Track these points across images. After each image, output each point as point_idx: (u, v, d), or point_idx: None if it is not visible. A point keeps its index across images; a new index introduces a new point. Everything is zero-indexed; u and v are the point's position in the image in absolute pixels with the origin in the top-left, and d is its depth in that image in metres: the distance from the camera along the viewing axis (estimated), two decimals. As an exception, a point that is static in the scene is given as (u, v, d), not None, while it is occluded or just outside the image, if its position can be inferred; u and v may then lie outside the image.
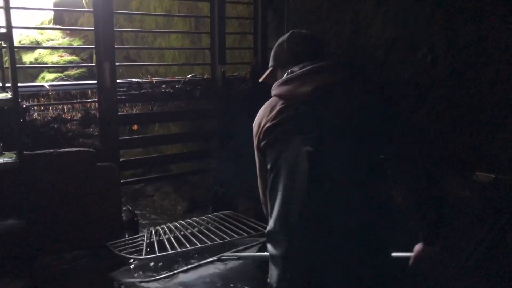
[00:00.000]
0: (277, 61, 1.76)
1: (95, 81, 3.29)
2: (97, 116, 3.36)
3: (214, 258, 2.91)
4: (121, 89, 3.45)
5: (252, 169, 1.78)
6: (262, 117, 1.59)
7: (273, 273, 1.49)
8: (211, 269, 2.89)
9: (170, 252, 2.90)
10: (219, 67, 3.81)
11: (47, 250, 3.00)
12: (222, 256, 2.87)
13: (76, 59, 5.30)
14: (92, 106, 3.51)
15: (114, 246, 3.03)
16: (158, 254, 2.88)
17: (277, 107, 1.53)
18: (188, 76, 3.82)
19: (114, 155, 3.31)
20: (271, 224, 1.51)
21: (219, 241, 3.02)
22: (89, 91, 3.48)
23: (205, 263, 2.93)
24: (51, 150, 2.99)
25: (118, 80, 3.39)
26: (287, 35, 1.77)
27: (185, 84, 3.74)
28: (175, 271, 2.86)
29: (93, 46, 3.31)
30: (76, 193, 3.03)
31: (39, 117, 3.20)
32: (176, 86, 3.69)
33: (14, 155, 2.76)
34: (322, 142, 1.41)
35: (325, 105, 1.45)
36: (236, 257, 2.78)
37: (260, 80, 1.90)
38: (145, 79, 3.63)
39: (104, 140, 3.31)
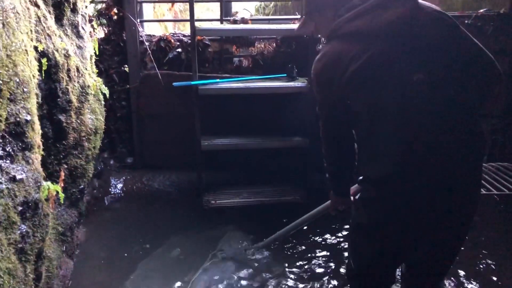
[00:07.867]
0: (315, 5, 1.59)
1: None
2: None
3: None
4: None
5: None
6: (336, 63, 1.42)
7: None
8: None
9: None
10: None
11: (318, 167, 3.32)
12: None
13: None
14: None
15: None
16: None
17: (355, 46, 1.38)
18: (480, 11, 3.45)
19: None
20: (386, 166, 1.38)
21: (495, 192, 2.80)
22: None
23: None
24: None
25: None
26: None
27: (475, 20, 3.41)
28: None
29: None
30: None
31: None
32: (466, 21, 3.39)
33: (306, 81, 3.07)
34: (428, 67, 1.33)
35: (411, 30, 1.34)
36: None
37: (297, 31, 1.78)
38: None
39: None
